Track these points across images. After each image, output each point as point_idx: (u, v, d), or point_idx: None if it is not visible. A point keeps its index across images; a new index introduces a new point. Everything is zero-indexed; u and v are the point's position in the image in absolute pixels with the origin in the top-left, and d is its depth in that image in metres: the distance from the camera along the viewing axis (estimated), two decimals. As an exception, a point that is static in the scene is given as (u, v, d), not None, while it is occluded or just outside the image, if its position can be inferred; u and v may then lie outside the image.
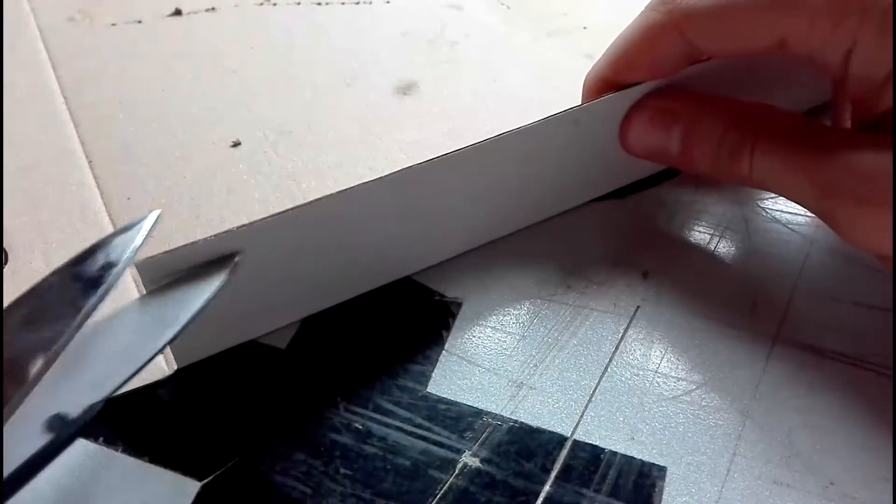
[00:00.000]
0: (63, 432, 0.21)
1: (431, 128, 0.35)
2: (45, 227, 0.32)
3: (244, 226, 0.24)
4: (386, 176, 0.26)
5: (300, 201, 0.25)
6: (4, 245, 0.31)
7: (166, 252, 0.24)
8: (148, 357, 0.21)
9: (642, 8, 0.28)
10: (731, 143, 0.26)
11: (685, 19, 0.26)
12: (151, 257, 0.23)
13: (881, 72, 0.23)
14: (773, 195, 0.32)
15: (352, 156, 0.34)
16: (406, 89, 0.38)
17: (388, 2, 0.44)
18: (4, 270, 0.30)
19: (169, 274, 0.24)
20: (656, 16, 0.27)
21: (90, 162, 0.34)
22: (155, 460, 0.25)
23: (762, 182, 0.26)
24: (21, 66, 0.40)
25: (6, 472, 0.20)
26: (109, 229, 0.31)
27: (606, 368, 0.27)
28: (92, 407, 0.21)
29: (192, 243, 0.24)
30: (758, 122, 0.26)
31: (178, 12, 0.43)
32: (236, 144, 0.35)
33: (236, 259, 0.24)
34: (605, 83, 0.29)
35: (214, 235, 0.24)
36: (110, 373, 0.21)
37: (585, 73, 0.30)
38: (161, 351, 0.22)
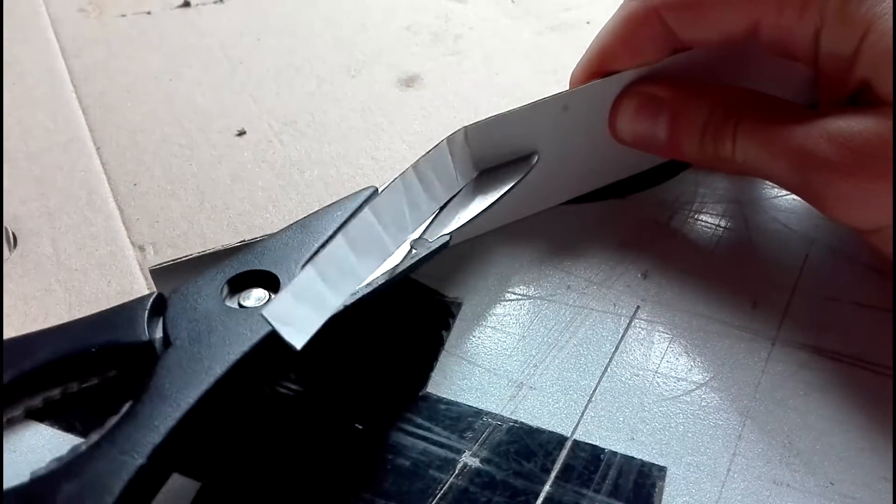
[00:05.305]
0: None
1: (434, 120, 0.35)
2: (53, 212, 0.31)
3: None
4: None
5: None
6: (14, 230, 0.30)
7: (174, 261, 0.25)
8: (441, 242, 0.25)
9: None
10: (715, 126, 0.25)
11: (663, 6, 0.26)
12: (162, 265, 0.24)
13: (848, 46, 0.23)
14: (772, 196, 0.31)
15: (355, 146, 0.33)
16: (409, 81, 0.37)
17: (392, -6, 0.43)
18: (14, 255, 0.29)
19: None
20: (635, 5, 0.27)
21: (98, 149, 0.34)
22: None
23: (745, 164, 0.25)
24: (32, 55, 0.39)
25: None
26: (116, 215, 0.31)
27: (606, 368, 0.26)
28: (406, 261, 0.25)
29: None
30: (741, 105, 0.25)
31: (186, 4, 0.42)
32: (241, 133, 0.34)
33: (535, 159, 0.27)
34: (591, 77, 0.28)
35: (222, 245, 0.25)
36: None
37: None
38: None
